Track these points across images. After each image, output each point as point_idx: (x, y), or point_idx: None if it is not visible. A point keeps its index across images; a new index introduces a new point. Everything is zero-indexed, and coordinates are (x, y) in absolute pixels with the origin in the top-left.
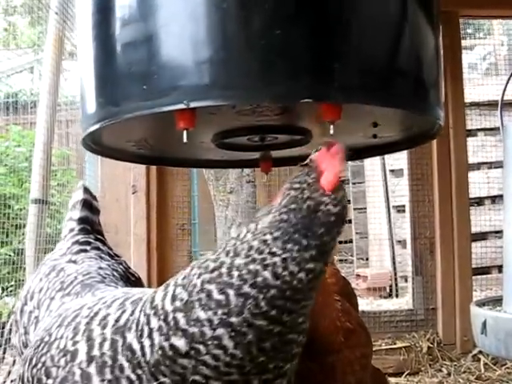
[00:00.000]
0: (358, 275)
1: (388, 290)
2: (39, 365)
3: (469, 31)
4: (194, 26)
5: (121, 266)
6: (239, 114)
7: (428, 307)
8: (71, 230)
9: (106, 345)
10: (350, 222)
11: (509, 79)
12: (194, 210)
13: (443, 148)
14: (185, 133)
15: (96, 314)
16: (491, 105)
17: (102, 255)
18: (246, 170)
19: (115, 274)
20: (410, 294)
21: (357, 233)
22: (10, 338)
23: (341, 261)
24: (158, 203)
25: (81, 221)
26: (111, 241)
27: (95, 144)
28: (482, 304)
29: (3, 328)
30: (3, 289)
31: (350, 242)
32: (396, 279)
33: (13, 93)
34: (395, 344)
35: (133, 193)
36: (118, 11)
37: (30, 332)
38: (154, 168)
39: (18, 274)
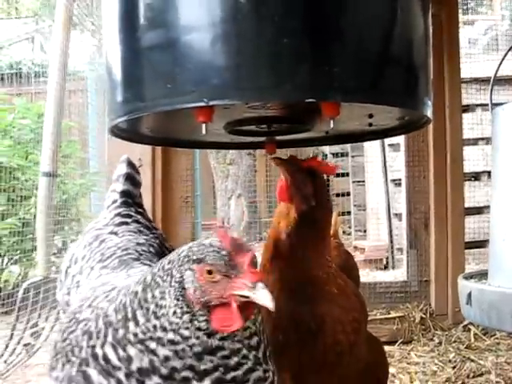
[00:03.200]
0: (356, 247)
1: (385, 262)
2: (67, 341)
3: (471, 5)
4: (213, 35)
5: (157, 241)
6: (250, 107)
7: (421, 279)
8: (114, 202)
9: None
10: (348, 194)
11: (503, 58)
12: (197, 182)
13: (439, 125)
14: (203, 126)
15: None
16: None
17: (141, 229)
18: None
19: (151, 249)
20: (404, 266)
21: (355, 205)
22: (22, 306)
23: None
24: (163, 177)
25: (123, 194)
26: None
27: (119, 130)
28: (469, 277)
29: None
30: (9, 258)
31: (349, 214)
32: (393, 251)
33: (14, 62)
34: (389, 314)
35: (139, 166)
36: (142, 18)
37: (71, 294)
38: None
39: (23, 244)
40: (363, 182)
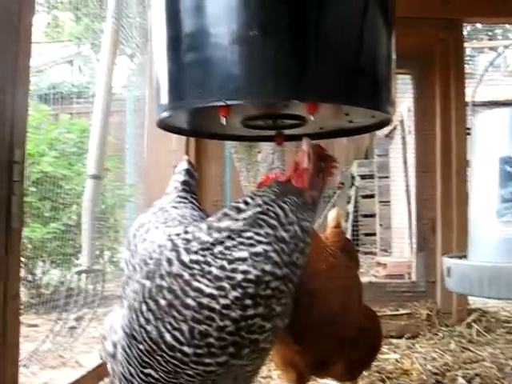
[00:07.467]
0: (379, 263)
1: (406, 279)
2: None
3: (496, 31)
4: (231, 55)
5: (205, 216)
6: (258, 106)
7: (429, 280)
8: (175, 188)
9: None
10: (374, 215)
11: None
12: (226, 193)
13: (446, 144)
14: (224, 119)
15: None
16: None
17: (195, 207)
18: (276, 163)
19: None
20: (413, 268)
21: (380, 225)
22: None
23: (365, 253)
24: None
25: (183, 183)
26: None
27: (164, 124)
28: (450, 256)
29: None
30: (51, 262)
31: (374, 234)
32: None
33: (55, 84)
34: (398, 311)
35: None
36: (183, 43)
37: (138, 247)
38: (192, 152)
39: (65, 248)
40: (389, 202)
